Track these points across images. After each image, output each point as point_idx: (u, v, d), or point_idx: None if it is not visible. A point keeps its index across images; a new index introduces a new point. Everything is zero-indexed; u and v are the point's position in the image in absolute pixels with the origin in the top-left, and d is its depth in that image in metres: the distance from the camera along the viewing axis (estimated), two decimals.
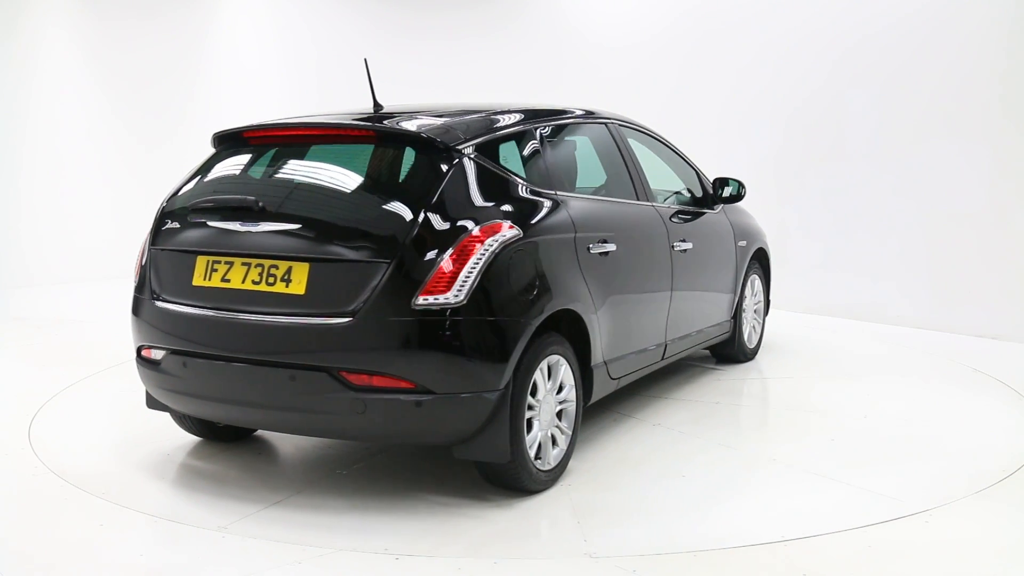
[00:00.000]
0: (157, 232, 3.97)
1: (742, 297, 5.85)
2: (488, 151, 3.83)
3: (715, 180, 5.58)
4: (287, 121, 3.98)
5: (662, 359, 4.90)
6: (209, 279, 3.68)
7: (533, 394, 3.69)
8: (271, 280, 3.53)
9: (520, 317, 3.56)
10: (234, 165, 4.00)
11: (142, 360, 3.94)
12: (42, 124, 9.75)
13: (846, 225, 7.91)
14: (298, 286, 3.47)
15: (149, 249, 3.98)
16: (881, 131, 7.64)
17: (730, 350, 5.93)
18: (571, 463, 4.07)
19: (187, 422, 4.29)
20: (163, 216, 3.99)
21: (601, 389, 4.26)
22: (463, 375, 3.44)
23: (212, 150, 4.18)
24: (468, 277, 3.41)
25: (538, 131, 4.23)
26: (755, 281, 6.11)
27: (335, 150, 3.85)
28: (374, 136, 3.80)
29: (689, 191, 5.54)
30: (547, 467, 3.80)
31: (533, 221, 3.79)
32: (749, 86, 8.49)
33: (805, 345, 6.72)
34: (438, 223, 3.46)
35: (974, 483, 3.92)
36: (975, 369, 6.01)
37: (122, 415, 4.85)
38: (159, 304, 3.83)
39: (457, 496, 3.76)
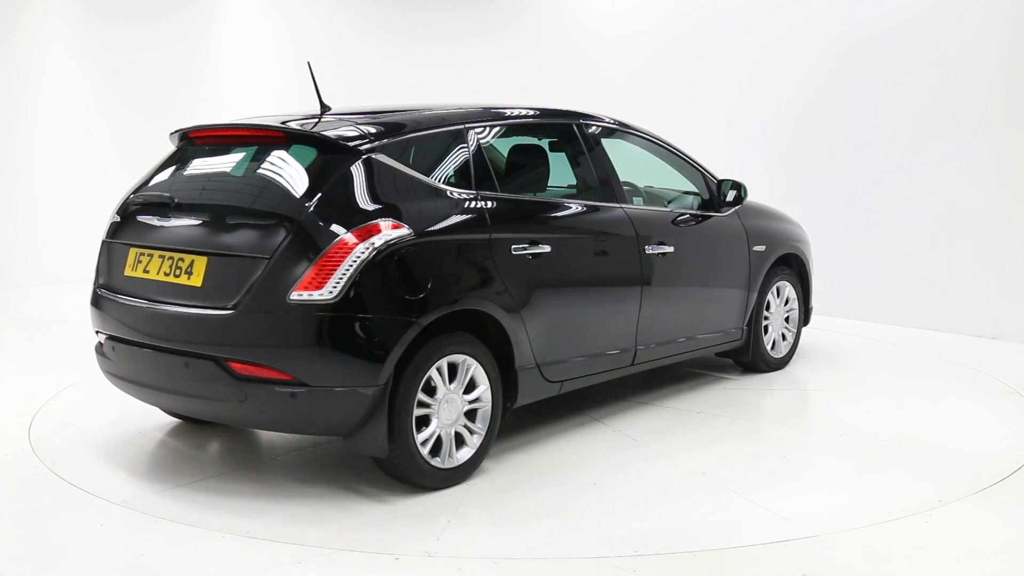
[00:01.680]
0: (109, 226, 4.25)
1: (761, 304, 5.65)
2: (397, 152, 3.87)
3: (718, 183, 5.44)
4: (222, 123, 4.17)
5: (632, 364, 4.78)
6: (135, 270, 3.95)
7: (433, 392, 3.74)
8: (178, 272, 3.75)
9: (402, 316, 3.60)
10: (178, 163, 4.25)
11: (97, 344, 4.22)
12: (42, 124, 9.74)
13: (847, 225, 7.90)
14: (197, 278, 3.68)
15: (103, 241, 4.26)
16: (882, 132, 7.64)
17: (746, 358, 5.75)
18: (491, 464, 4.07)
19: None
20: (116, 211, 4.26)
21: (533, 392, 4.22)
22: (337, 370, 3.52)
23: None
24: (344, 275, 3.48)
25: (471, 132, 4.19)
26: (785, 288, 5.89)
27: (254, 151, 3.98)
28: (283, 137, 3.94)
29: (696, 194, 5.44)
30: (447, 465, 3.82)
31: (433, 221, 3.80)
32: (749, 88, 8.48)
33: (841, 354, 6.43)
34: (319, 221, 3.56)
35: (974, 483, 3.92)
36: (975, 369, 6.02)
37: (121, 415, 4.84)
38: (101, 292, 4.14)
39: (334, 487, 3.85)
